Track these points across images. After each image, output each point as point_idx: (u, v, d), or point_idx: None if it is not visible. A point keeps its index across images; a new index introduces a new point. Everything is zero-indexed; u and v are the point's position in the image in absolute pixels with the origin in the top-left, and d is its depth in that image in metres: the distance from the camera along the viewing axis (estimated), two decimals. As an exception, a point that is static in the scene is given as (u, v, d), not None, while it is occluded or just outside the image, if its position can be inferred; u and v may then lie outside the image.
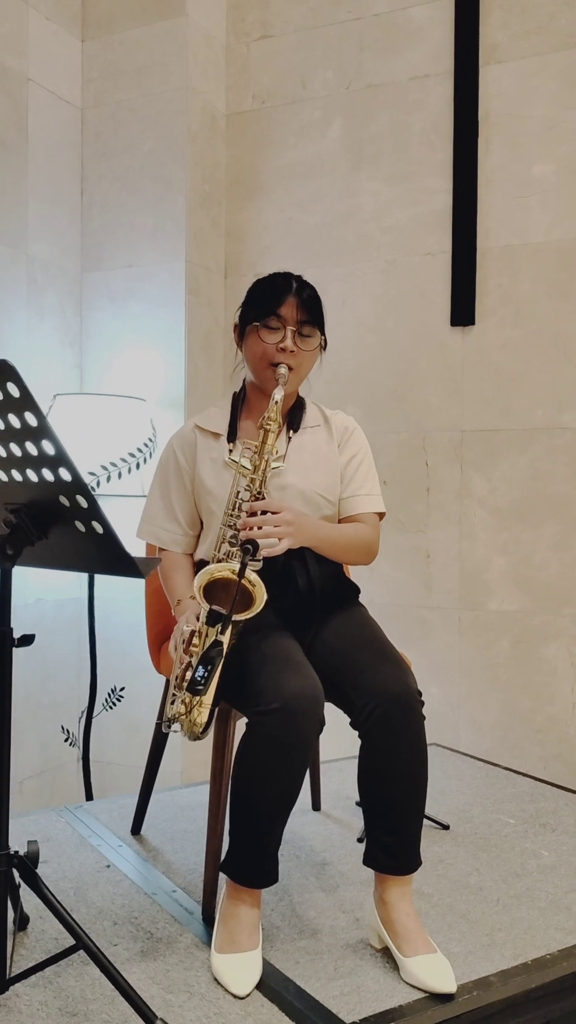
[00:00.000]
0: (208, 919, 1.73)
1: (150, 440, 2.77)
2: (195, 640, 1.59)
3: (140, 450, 2.71)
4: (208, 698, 1.58)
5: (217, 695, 1.59)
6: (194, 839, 2.14)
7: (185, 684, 1.57)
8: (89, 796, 2.91)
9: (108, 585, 2.93)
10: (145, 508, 1.94)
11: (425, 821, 2.19)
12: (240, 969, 1.50)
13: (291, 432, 1.85)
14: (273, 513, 1.62)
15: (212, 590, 1.61)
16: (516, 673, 2.80)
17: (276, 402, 1.69)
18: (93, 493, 1.20)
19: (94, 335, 3.05)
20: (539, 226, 2.76)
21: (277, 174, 3.07)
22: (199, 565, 1.88)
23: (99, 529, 1.23)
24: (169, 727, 1.63)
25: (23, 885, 1.67)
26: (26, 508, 1.30)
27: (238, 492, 1.68)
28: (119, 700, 3.00)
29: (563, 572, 2.74)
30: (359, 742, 1.63)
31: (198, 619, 1.62)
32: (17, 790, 2.81)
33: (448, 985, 1.47)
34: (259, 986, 1.49)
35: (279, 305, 1.74)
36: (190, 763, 2.94)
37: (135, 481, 2.70)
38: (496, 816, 2.32)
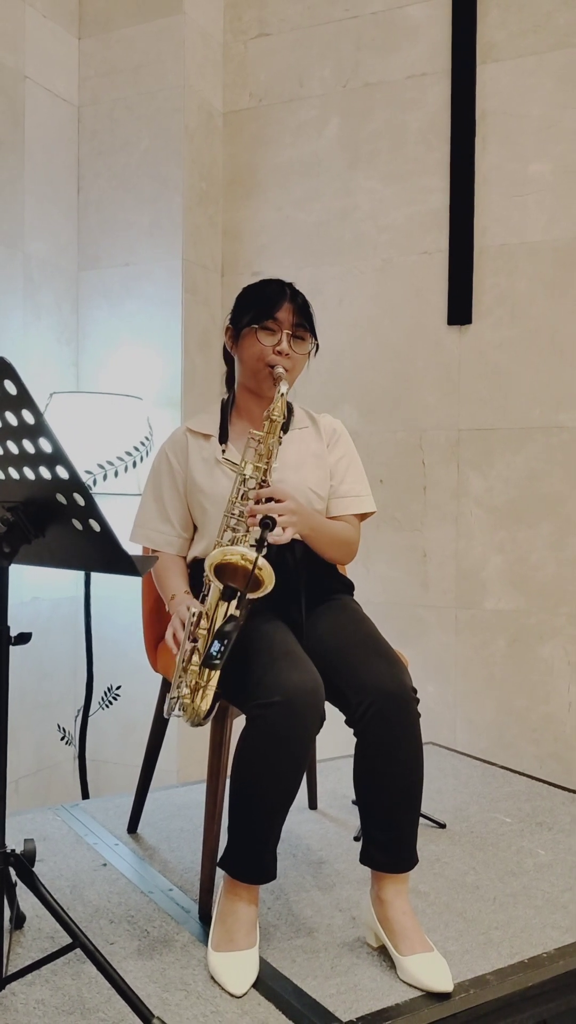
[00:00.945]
0: (205, 917, 1.73)
1: (147, 438, 2.77)
2: (202, 623, 1.61)
3: (136, 448, 2.71)
4: (212, 684, 1.59)
5: (220, 682, 1.61)
6: (190, 838, 2.14)
7: (199, 660, 1.59)
8: (85, 795, 2.91)
9: (104, 584, 2.93)
10: (138, 513, 1.98)
11: (421, 820, 2.20)
12: (237, 968, 1.50)
13: (282, 433, 1.89)
14: (278, 501, 1.65)
15: (219, 575, 1.62)
16: (512, 672, 2.80)
17: (282, 394, 1.75)
18: (90, 491, 1.20)
19: (90, 333, 3.04)
20: (536, 225, 2.76)
21: (274, 172, 3.07)
22: (193, 565, 1.91)
23: (96, 527, 1.23)
24: (172, 712, 1.64)
25: (19, 883, 1.67)
26: (23, 506, 1.30)
27: (243, 479, 1.71)
28: (115, 699, 3.00)
29: (559, 571, 2.74)
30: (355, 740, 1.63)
31: (203, 603, 1.65)
32: (13, 789, 2.80)
33: (445, 984, 1.47)
34: (256, 984, 1.49)
35: (276, 309, 1.82)
36: (186, 762, 2.94)
37: (131, 479, 2.69)
38: (492, 815, 2.32)
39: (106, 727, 3.02)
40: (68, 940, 1.37)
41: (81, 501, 1.22)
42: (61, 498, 1.24)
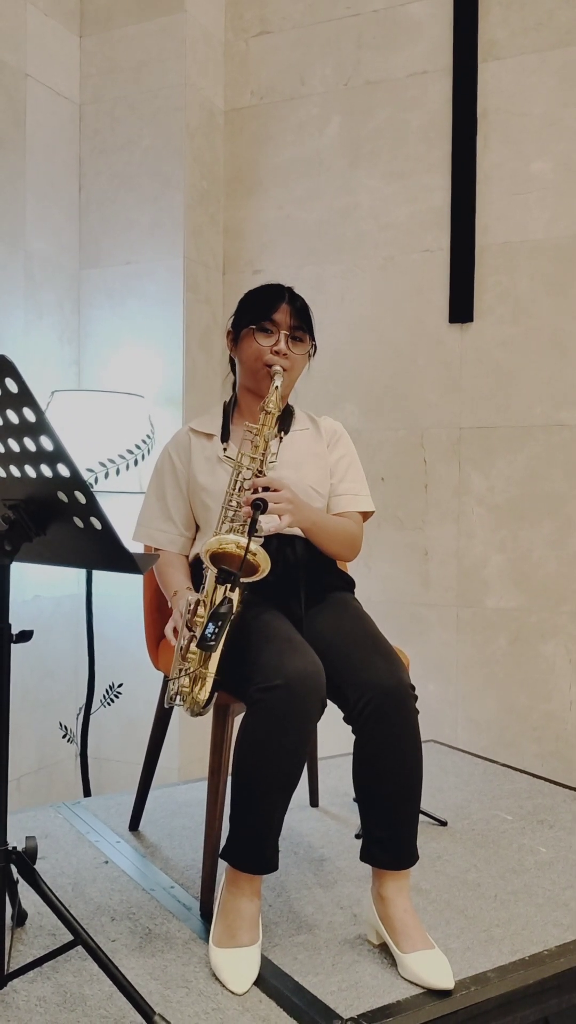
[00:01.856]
0: (206, 914, 1.73)
1: (148, 437, 2.77)
2: (200, 611, 1.63)
3: (138, 447, 2.71)
4: (211, 671, 1.60)
5: (218, 670, 1.61)
6: (192, 835, 2.14)
7: (195, 643, 1.59)
8: (87, 792, 2.91)
9: (106, 581, 2.93)
10: (141, 513, 2.01)
11: (423, 817, 2.20)
12: (239, 965, 1.50)
13: (282, 434, 1.94)
14: (274, 491, 1.66)
15: (216, 564, 1.63)
16: (513, 670, 2.80)
17: (276, 387, 1.77)
18: (91, 489, 1.20)
19: (92, 332, 3.04)
20: (538, 223, 2.76)
21: (275, 171, 3.06)
22: (195, 564, 1.92)
23: (97, 525, 1.23)
24: (172, 702, 1.65)
25: (21, 881, 1.67)
26: (25, 504, 1.30)
27: (239, 472, 1.73)
28: (117, 696, 3.00)
29: (560, 569, 2.74)
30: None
31: (202, 592, 1.67)
32: (15, 787, 2.81)
33: (446, 981, 1.47)
34: (257, 981, 1.49)
35: (274, 311, 1.86)
36: (188, 760, 2.95)
37: (133, 477, 2.70)
38: (494, 812, 2.32)
39: (108, 725, 3.02)
40: (69, 937, 1.37)
41: (82, 499, 1.22)
42: (62, 496, 1.24)
